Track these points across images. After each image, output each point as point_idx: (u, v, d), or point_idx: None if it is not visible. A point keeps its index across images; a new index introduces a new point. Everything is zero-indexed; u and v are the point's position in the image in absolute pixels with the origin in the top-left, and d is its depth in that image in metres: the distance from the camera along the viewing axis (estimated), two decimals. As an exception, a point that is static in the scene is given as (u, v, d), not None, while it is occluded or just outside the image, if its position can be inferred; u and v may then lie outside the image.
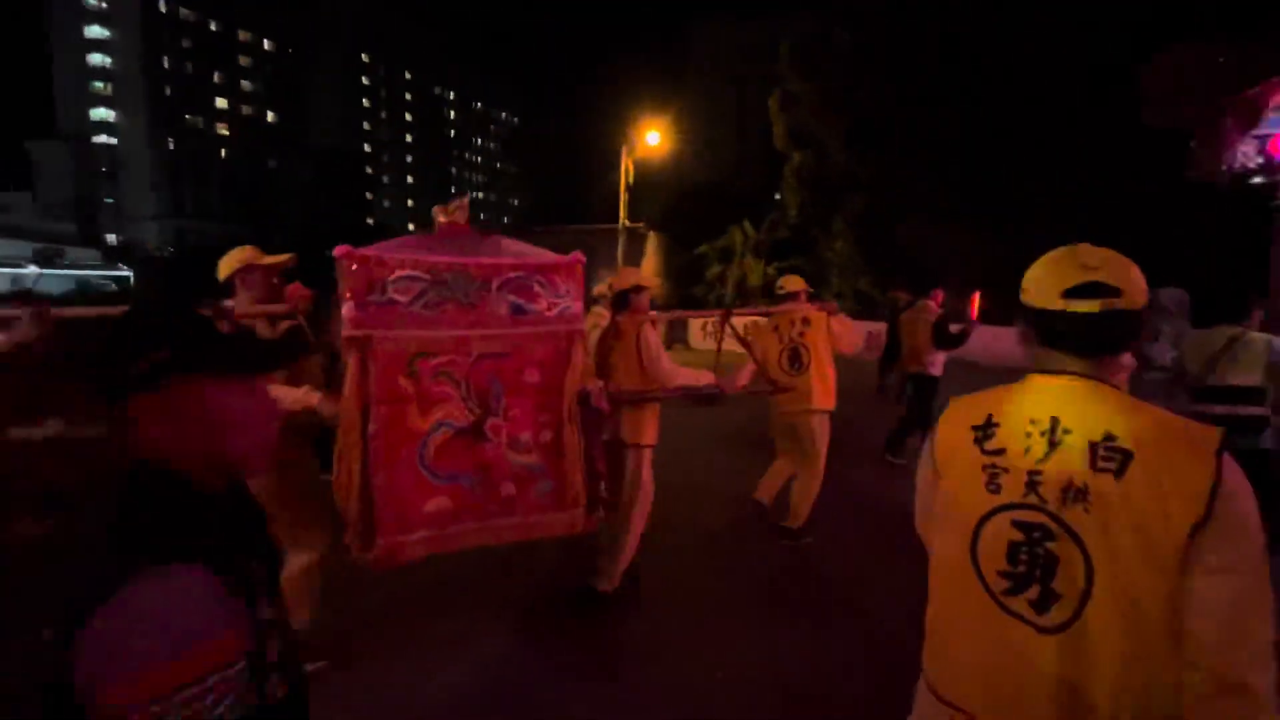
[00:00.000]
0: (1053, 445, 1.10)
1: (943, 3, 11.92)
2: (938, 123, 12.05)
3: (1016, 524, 1.11)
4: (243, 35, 65.05)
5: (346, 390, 2.18)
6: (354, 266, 2.18)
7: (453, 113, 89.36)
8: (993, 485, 1.14)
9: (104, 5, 57.28)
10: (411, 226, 79.19)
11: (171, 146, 59.89)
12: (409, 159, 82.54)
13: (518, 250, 2.51)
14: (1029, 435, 1.12)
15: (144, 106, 57.64)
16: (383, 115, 78.61)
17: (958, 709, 1.15)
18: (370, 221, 68.92)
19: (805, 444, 4.02)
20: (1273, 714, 0.95)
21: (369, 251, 2.22)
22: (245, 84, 65.60)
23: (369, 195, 75.52)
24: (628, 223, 17.02)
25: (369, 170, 76.19)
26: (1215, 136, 7.55)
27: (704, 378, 3.29)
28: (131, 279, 39.70)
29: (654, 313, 3.59)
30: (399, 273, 2.22)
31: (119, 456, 0.86)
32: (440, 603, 3.18)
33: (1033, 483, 1.10)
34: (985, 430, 1.17)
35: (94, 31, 57.74)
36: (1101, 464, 1.04)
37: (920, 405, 6.02)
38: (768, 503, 4.40)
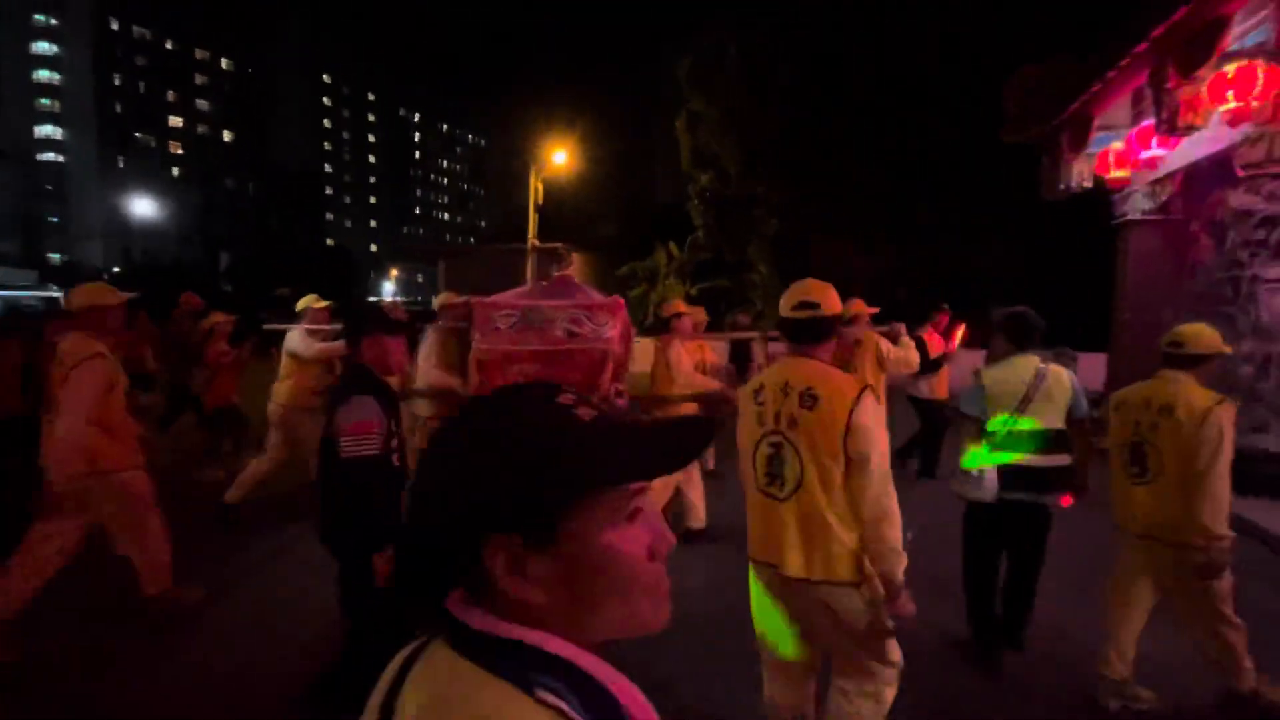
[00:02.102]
0: (785, 395, 1.93)
1: (828, 24, 12.01)
2: (830, 143, 12.06)
3: (770, 444, 1.96)
4: (200, 54, 64.32)
5: (470, 378, 3.72)
6: (480, 308, 3.64)
7: (418, 134, 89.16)
8: (761, 421, 1.99)
9: (53, 22, 56.24)
10: (374, 248, 78.60)
11: (121, 165, 58.52)
12: (372, 180, 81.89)
13: (584, 296, 3.77)
14: (776, 390, 1.96)
15: (93, 124, 56.37)
16: (345, 136, 78.09)
17: (753, 560, 2.07)
18: (330, 242, 67.89)
19: None
20: (898, 526, 1.86)
21: (488, 299, 3.71)
22: (201, 103, 64.69)
23: (329, 216, 74.55)
24: (537, 242, 16.74)
25: (330, 191, 75.29)
26: (1055, 156, 7.54)
27: (712, 385, 4.37)
28: (61, 300, 38.45)
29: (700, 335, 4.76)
30: (501, 311, 3.63)
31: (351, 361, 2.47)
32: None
33: (777, 417, 1.94)
34: (758, 392, 2.02)
35: (41, 48, 56.57)
36: (805, 404, 1.89)
37: (923, 428, 6.03)
38: None
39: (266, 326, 5.73)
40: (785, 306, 2.02)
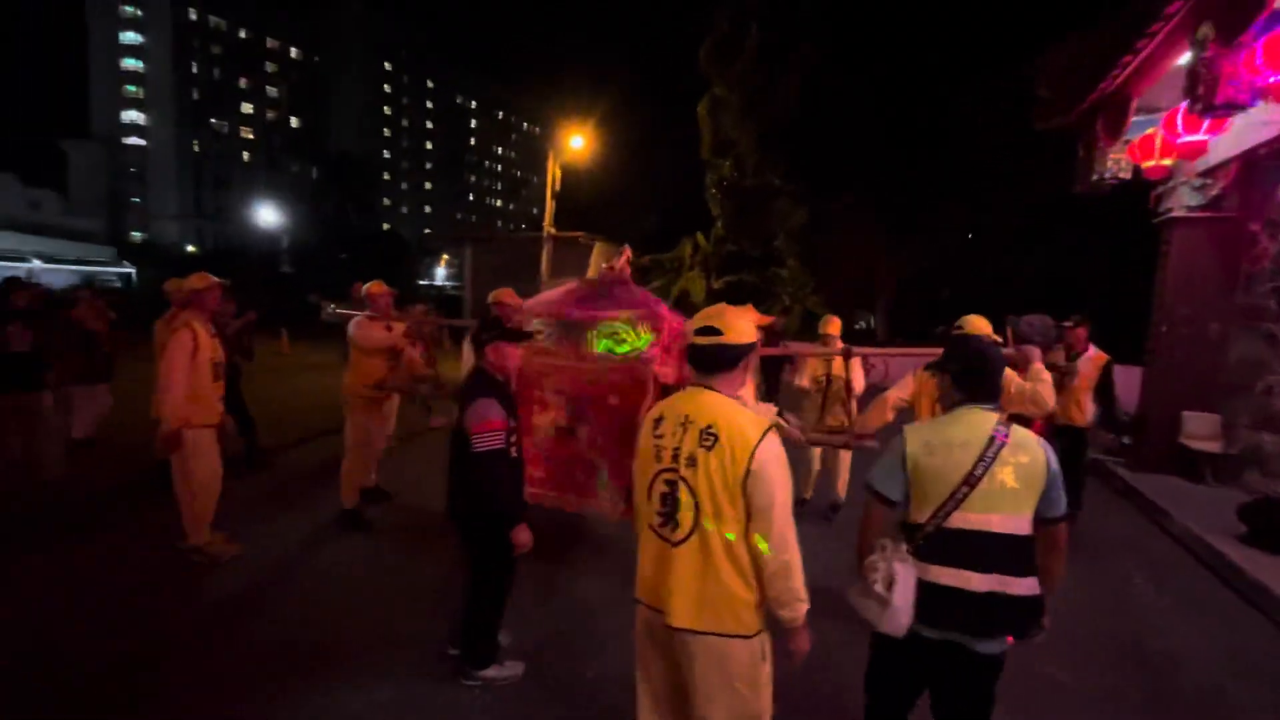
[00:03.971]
0: (684, 430, 1.79)
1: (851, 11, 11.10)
2: (855, 128, 11.18)
3: (665, 482, 1.81)
4: (270, 43, 66.93)
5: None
6: (510, 313, 3.54)
7: (474, 122, 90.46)
8: (659, 457, 1.83)
9: (139, 13, 59.57)
10: (428, 230, 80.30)
11: (196, 149, 61.69)
12: (429, 166, 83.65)
13: (632, 301, 3.56)
14: (676, 424, 1.82)
15: (171, 110, 59.58)
16: (404, 123, 79.92)
17: (639, 601, 1.91)
18: (386, 227, 69.71)
19: None
20: (801, 572, 1.73)
21: (520, 303, 3.81)
22: (270, 90, 67.39)
23: (387, 201, 76.60)
24: (554, 230, 16.53)
25: (387, 177, 77.30)
26: (1090, 143, 6.62)
27: (767, 409, 3.59)
28: (134, 275, 40.83)
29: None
30: (536, 319, 3.58)
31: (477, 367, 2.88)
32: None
33: (675, 454, 1.79)
34: (657, 423, 1.87)
35: (129, 37, 60.02)
36: (704, 442, 1.74)
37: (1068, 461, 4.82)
38: None
39: (339, 311, 5.90)
40: (689, 330, 1.88)
